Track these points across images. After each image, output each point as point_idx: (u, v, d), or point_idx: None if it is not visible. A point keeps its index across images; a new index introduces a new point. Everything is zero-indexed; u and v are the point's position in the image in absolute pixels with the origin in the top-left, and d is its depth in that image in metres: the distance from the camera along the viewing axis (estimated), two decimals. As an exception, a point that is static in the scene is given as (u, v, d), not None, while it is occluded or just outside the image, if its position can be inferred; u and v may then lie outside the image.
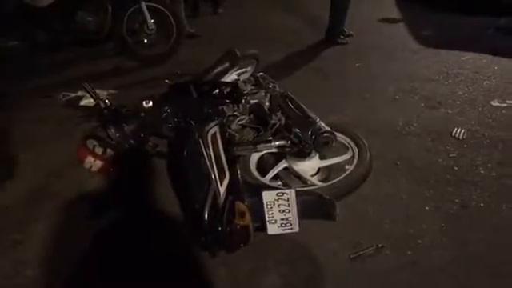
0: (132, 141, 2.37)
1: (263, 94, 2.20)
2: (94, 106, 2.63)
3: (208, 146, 1.80)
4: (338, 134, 1.90)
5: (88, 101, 3.29)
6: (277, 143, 1.90)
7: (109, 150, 2.35)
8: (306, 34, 4.86)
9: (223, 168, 1.68)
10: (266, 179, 1.85)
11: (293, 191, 1.53)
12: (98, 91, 3.40)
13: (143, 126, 2.40)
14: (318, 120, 1.79)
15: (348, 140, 2.02)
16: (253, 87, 2.26)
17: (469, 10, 5.20)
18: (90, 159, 2.23)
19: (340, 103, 3.09)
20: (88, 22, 4.22)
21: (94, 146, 2.35)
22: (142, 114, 2.42)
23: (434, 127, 2.69)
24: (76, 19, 4.21)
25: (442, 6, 5.55)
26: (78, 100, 3.39)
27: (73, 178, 2.39)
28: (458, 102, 3.04)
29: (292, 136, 1.88)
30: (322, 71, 3.80)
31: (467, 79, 3.44)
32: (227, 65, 2.71)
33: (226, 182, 1.61)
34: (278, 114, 1.99)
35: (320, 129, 1.73)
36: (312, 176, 1.88)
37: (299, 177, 1.88)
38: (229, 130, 2.03)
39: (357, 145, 1.97)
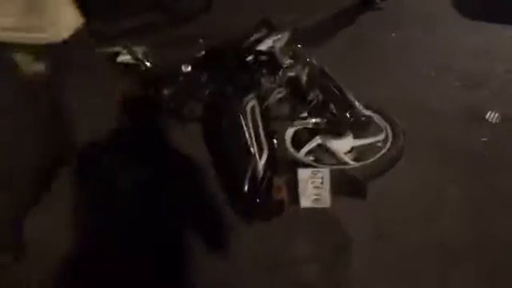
0: (171, 104, 2.47)
1: (301, 67, 2.22)
2: (134, 65, 2.71)
3: (247, 119, 1.88)
4: (372, 114, 1.94)
5: (125, 57, 3.37)
6: (313, 120, 1.96)
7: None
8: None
9: (261, 142, 1.76)
10: (301, 154, 1.93)
11: (327, 171, 1.62)
12: (134, 47, 3.48)
13: (181, 90, 2.48)
14: (356, 102, 1.83)
15: (382, 120, 2.05)
16: (290, 60, 2.28)
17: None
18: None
19: (372, 78, 3.05)
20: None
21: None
22: (181, 78, 2.50)
23: (468, 108, 2.69)
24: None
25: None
26: (114, 56, 3.46)
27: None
28: (496, 83, 2.99)
29: (328, 114, 1.93)
30: (356, 41, 3.71)
31: (508, 58, 3.35)
32: (264, 33, 2.73)
33: (264, 156, 1.70)
34: (316, 90, 2.03)
35: (358, 112, 1.77)
36: (345, 154, 1.95)
37: (332, 154, 1.95)
38: (266, 103, 2.08)
39: (391, 125, 2.01)
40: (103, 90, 2.63)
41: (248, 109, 1.95)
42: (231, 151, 1.71)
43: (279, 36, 2.76)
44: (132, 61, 3.27)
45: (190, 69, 2.50)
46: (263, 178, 1.62)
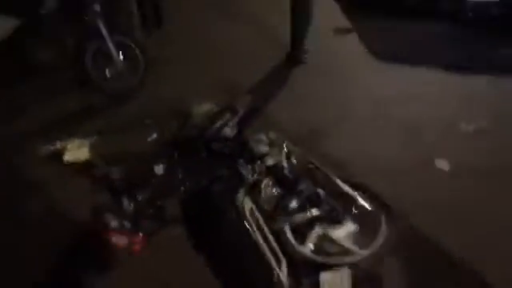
0: (150, 209, 2.36)
1: (278, 154, 2.28)
2: (102, 176, 2.56)
3: (252, 225, 1.87)
4: (358, 195, 2.05)
5: (73, 154, 3.13)
6: (314, 213, 2.01)
7: (126, 222, 2.33)
8: (267, 52, 4.93)
9: (274, 249, 1.76)
10: (307, 249, 1.96)
11: (346, 271, 1.68)
12: (77, 140, 3.29)
13: (158, 193, 2.39)
14: (357, 196, 1.92)
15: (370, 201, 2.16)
16: (266, 147, 2.33)
17: (405, 14, 5.58)
18: (116, 237, 2.20)
19: (320, 136, 3.24)
20: (46, 59, 3.99)
21: (110, 221, 2.32)
22: (154, 181, 2.41)
23: (420, 159, 2.97)
24: (30, 54, 3.95)
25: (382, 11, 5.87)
26: (59, 153, 3.20)
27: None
28: (433, 128, 3.34)
29: (325, 205, 2.00)
30: (293, 98, 3.93)
31: (432, 100, 3.77)
32: (228, 117, 2.76)
33: (283, 265, 1.70)
34: (307, 180, 2.09)
35: (362, 205, 1.86)
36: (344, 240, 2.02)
37: (333, 242, 2.01)
38: (261, 202, 2.09)
39: (380, 205, 2.12)
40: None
41: (247, 212, 1.94)
42: (247, 267, 1.69)
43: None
44: (84, 156, 3.10)
45: (162, 171, 2.43)
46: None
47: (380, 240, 1.95)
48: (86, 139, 3.20)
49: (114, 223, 2.26)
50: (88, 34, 3.86)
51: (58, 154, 3.09)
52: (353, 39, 5.28)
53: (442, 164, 2.88)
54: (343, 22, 5.83)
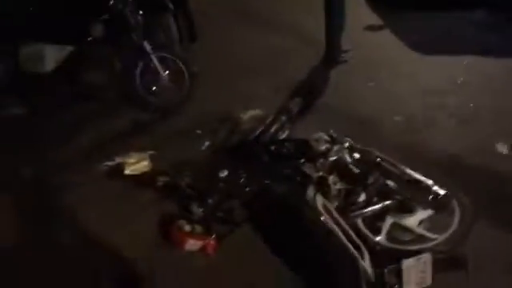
0: (219, 213, 2.45)
1: (339, 150, 2.32)
2: (172, 185, 2.67)
3: (328, 219, 1.92)
4: (429, 182, 2.06)
5: (134, 168, 3.27)
6: (385, 204, 2.04)
7: (197, 227, 2.42)
8: (304, 54, 4.99)
9: (355, 241, 1.80)
10: (382, 239, 1.99)
11: (429, 256, 1.69)
12: (134, 154, 3.43)
13: (225, 196, 2.48)
14: (429, 182, 1.94)
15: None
16: (327, 144, 2.38)
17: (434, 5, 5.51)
18: (190, 242, 2.29)
19: (375, 131, 3.26)
20: (95, 81, 4.17)
21: (183, 225, 2.42)
22: (221, 185, 2.50)
23: (478, 145, 2.94)
24: (81, 80, 4.15)
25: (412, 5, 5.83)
26: (120, 168, 3.33)
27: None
28: (485, 114, 3.30)
29: (396, 195, 2.03)
30: (340, 97, 3.96)
31: (478, 87, 3.73)
32: (284, 120, 2.83)
33: (366, 256, 1.73)
34: (376, 173, 2.13)
35: (437, 192, 1.88)
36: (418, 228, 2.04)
37: (407, 230, 2.03)
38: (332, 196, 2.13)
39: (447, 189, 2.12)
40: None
41: (320, 207, 1.99)
42: (330, 260, 1.73)
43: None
44: (145, 168, 3.22)
45: (226, 173, 2.52)
46: (381, 279, 1.64)
47: (455, 224, 1.96)
48: (144, 153, 3.36)
49: (187, 228, 2.36)
50: (134, 54, 4.04)
51: (118, 170, 3.26)
52: (387, 35, 5.26)
53: (503, 148, 2.83)
54: (373, 19, 5.84)
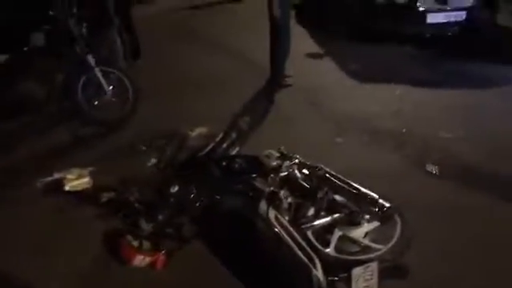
0: (169, 229, 2.40)
1: (290, 166, 2.41)
2: (118, 200, 2.58)
3: (281, 231, 1.97)
4: (375, 196, 2.19)
5: (74, 184, 3.10)
6: (334, 216, 2.13)
7: (144, 242, 2.35)
8: (249, 78, 5.12)
9: (307, 251, 1.86)
10: (331, 250, 2.07)
11: (375, 264, 1.80)
12: (75, 170, 3.28)
13: (176, 211, 2.44)
14: (375, 196, 2.06)
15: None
16: (278, 160, 2.45)
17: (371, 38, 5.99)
18: (139, 257, 2.22)
19: (319, 151, 3.40)
20: (32, 94, 3.96)
21: (130, 241, 2.34)
22: (171, 200, 2.46)
23: (411, 167, 3.18)
24: (18, 90, 3.92)
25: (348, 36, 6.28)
26: (58, 184, 3.15)
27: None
28: (416, 139, 3.59)
29: (345, 209, 2.14)
30: (284, 119, 4.10)
31: (410, 114, 4.05)
32: (234, 137, 2.87)
33: (318, 264, 1.79)
34: (324, 188, 2.22)
35: (383, 204, 2.01)
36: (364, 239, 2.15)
37: (354, 242, 2.14)
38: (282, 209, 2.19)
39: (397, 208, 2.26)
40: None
41: (273, 219, 2.04)
42: (284, 270, 1.77)
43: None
44: (87, 185, 3.08)
45: (177, 188, 2.49)
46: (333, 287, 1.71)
47: (397, 235, 2.10)
48: (85, 169, 3.22)
49: (135, 243, 2.29)
50: (76, 67, 3.91)
51: (57, 186, 3.09)
52: (327, 63, 5.59)
53: (432, 168, 3.10)
54: (315, 47, 6.18)
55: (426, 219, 2.54)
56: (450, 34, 5.82)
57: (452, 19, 5.65)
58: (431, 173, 3.09)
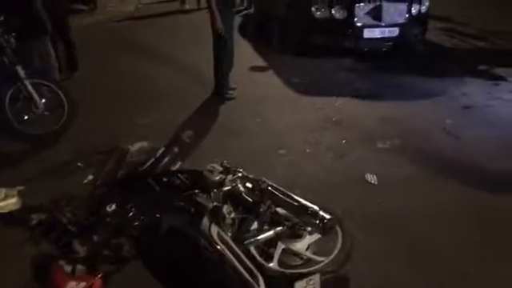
0: (106, 251, 2.26)
1: (233, 180, 2.37)
2: (48, 222, 2.40)
3: (223, 248, 1.92)
4: (316, 208, 2.20)
5: (1, 204, 2.86)
6: (275, 231, 2.12)
7: (79, 266, 2.20)
8: (192, 90, 5.07)
9: (249, 268, 1.82)
10: (275, 264, 2.05)
11: (317, 277, 1.80)
12: (1, 190, 3.04)
13: (113, 232, 2.31)
14: (316, 208, 2.07)
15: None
16: (221, 174, 2.40)
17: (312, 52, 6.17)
18: (71, 284, 2.07)
19: (262, 163, 3.41)
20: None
21: (62, 266, 2.19)
22: (108, 219, 2.33)
23: (351, 176, 3.27)
24: None
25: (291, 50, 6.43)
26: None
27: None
28: (355, 149, 3.71)
29: (286, 222, 2.13)
30: (227, 131, 4.08)
31: (349, 124, 4.18)
32: (177, 151, 2.79)
33: (261, 282, 1.76)
34: (267, 201, 2.20)
35: (324, 216, 2.02)
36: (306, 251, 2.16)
37: (296, 255, 2.13)
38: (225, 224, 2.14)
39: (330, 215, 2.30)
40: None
41: (215, 236, 1.98)
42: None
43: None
44: (14, 206, 2.86)
45: (114, 206, 2.36)
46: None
47: (338, 246, 2.12)
48: (13, 188, 2.98)
49: (67, 269, 2.13)
50: (4, 78, 3.65)
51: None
52: (270, 75, 5.67)
53: (372, 178, 3.20)
54: (259, 61, 6.25)
55: (365, 229, 2.61)
56: (385, 48, 6.14)
57: (386, 34, 5.96)
58: (370, 182, 3.18)
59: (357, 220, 2.68)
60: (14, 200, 2.86)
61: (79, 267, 2.18)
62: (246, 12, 9.48)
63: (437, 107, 4.60)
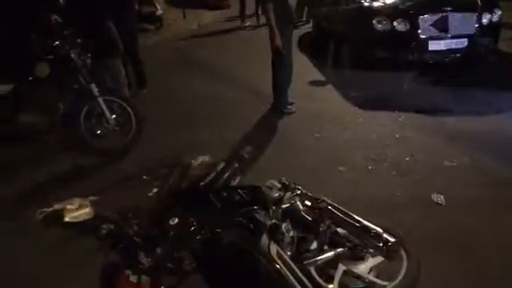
0: (168, 263, 2.34)
1: (292, 198, 2.36)
2: (117, 233, 2.53)
3: (281, 266, 1.91)
4: (379, 230, 2.13)
5: (74, 215, 3.06)
6: (336, 252, 2.07)
7: (143, 277, 2.29)
8: (251, 105, 5.14)
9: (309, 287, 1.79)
10: (335, 286, 2.00)
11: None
12: (76, 200, 3.24)
13: (176, 245, 2.38)
14: (379, 230, 2.01)
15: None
16: (280, 191, 2.41)
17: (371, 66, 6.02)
18: (139, 294, 2.15)
19: (322, 181, 3.37)
20: (33, 124, 3.97)
21: (129, 276, 2.28)
22: (172, 233, 2.41)
23: (416, 196, 3.12)
24: (19, 120, 3.94)
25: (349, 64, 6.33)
26: (58, 215, 3.12)
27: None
28: (421, 167, 3.54)
29: (348, 243, 2.08)
30: (287, 147, 4.09)
31: (414, 141, 4.01)
32: (236, 167, 2.83)
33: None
34: (327, 220, 2.17)
35: (388, 239, 1.95)
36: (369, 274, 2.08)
37: (358, 277, 2.07)
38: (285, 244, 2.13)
39: (395, 237, 2.20)
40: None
41: (275, 256, 1.98)
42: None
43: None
44: (87, 216, 3.04)
45: (177, 220, 2.44)
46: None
47: (403, 271, 2.03)
48: (86, 199, 3.18)
49: (133, 279, 2.22)
50: (80, 96, 3.93)
51: (57, 217, 3.04)
52: (329, 90, 5.61)
53: (438, 198, 3.03)
54: (317, 75, 6.22)
55: (431, 252, 2.47)
56: (451, 60, 5.84)
57: (454, 46, 5.69)
58: (437, 202, 3.02)
59: (422, 242, 2.54)
60: (87, 210, 3.04)
61: (144, 278, 2.26)
62: (303, 24, 9.54)
63: (510, 123, 4.28)
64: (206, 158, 3.14)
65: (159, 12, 10.17)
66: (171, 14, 11.68)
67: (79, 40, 3.88)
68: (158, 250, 2.31)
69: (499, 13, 5.95)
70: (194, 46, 8.83)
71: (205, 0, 12.98)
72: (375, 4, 6.05)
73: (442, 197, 3.04)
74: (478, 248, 2.58)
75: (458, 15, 5.63)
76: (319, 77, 6.13)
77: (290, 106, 4.87)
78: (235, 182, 2.76)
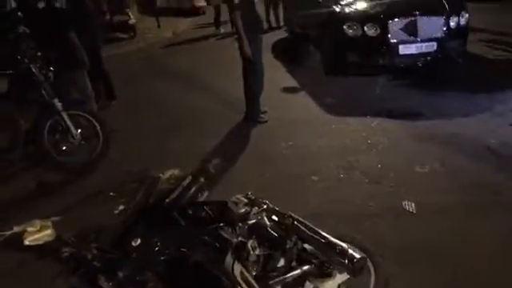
0: (131, 286, 2.24)
1: (258, 213, 2.29)
2: (78, 256, 2.41)
3: (245, 289, 1.83)
4: (344, 246, 2.07)
5: (35, 237, 2.92)
6: (303, 269, 2.01)
7: (106, 301, 2.18)
8: (224, 114, 5.07)
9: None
10: (304, 307, 1.94)
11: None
12: (37, 222, 3.09)
13: (138, 267, 2.28)
14: (345, 246, 1.95)
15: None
16: (246, 207, 2.33)
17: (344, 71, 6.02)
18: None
19: (294, 191, 3.32)
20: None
21: (89, 302, 2.17)
22: (133, 255, 2.31)
23: (387, 204, 3.09)
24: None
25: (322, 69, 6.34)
26: (18, 237, 2.98)
27: None
28: (392, 173, 3.52)
29: (314, 260, 2.02)
30: (258, 156, 4.02)
31: (386, 147, 4.00)
32: (202, 182, 2.75)
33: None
34: (293, 237, 2.10)
35: (353, 255, 1.90)
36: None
37: (327, 295, 2.01)
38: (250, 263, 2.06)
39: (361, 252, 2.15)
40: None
41: (239, 277, 1.90)
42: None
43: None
44: (49, 238, 2.90)
45: (139, 241, 2.34)
46: None
47: (371, 286, 1.98)
48: (48, 220, 3.04)
49: (93, 304, 2.12)
50: (43, 111, 3.80)
51: (17, 240, 2.90)
52: (302, 97, 5.58)
53: (409, 206, 3.01)
54: (290, 82, 6.18)
55: (402, 262, 2.44)
56: (422, 64, 5.87)
57: (424, 50, 5.73)
58: (408, 211, 3.00)
59: (393, 252, 2.51)
60: (48, 231, 2.90)
61: (106, 302, 2.16)
62: (277, 30, 9.56)
63: (481, 125, 4.30)
64: (175, 172, 3.04)
65: (132, 21, 10.03)
66: (145, 22, 11.54)
67: (39, 53, 3.74)
68: (120, 274, 2.21)
69: (467, 15, 6.03)
70: (168, 55, 8.71)
71: (179, 8, 12.89)
72: (346, 9, 6.04)
73: (413, 204, 3.02)
74: (448, 257, 2.55)
75: (426, 19, 5.68)
76: (293, 83, 6.09)
77: (262, 115, 4.81)
78: (203, 197, 2.68)
